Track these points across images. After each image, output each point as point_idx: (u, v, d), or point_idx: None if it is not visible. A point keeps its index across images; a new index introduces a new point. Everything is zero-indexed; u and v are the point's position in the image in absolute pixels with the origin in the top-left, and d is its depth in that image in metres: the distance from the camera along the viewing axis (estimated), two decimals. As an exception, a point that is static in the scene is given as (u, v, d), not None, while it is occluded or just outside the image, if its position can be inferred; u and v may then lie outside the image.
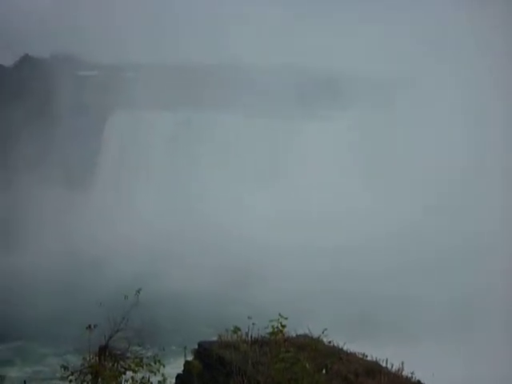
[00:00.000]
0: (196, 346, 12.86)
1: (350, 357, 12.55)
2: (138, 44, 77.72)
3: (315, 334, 11.66)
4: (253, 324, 10.20)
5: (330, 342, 11.94)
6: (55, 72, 73.33)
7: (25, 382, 10.35)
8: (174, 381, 11.88)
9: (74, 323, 29.05)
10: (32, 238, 51.09)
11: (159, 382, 9.01)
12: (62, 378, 8.67)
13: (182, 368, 11.91)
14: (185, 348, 11.35)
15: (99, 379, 8.75)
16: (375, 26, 65.89)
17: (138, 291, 9.37)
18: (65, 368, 8.70)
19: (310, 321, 11.99)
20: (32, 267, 45.50)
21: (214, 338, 12.69)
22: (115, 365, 8.86)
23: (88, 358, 8.77)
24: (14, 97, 73.97)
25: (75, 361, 9.02)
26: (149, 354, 9.19)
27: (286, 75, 61.06)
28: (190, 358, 11.92)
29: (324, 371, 11.04)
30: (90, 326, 8.68)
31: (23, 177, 62.87)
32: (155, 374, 8.68)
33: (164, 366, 8.79)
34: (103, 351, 8.87)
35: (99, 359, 8.80)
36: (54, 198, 60.26)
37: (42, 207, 58.14)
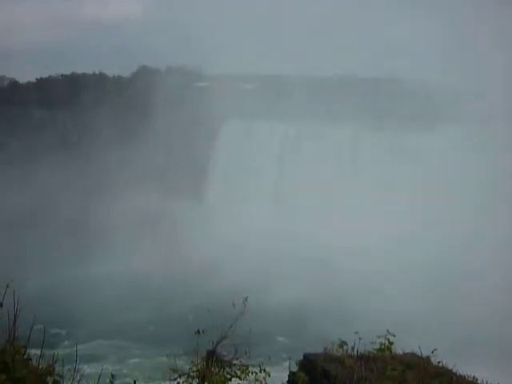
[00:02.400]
0: (301, 358, 12.83)
1: (460, 379, 12.03)
2: (253, 55, 79.00)
3: (424, 353, 11.32)
4: (359, 339, 10.05)
5: (439, 363, 11.54)
6: (170, 83, 75.73)
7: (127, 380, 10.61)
8: (278, 391, 11.87)
9: (183, 328, 29.82)
10: (145, 244, 52.71)
11: (263, 390, 9.06)
12: (170, 380, 8.89)
13: (287, 379, 11.92)
14: (290, 359, 11.35)
15: (205, 383, 8.90)
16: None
17: (246, 299, 9.46)
18: (173, 370, 8.92)
19: (419, 340, 11.63)
20: (145, 273, 47.00)
21: (320, 351, 12.60)
22: (222, 370, 8.98)
23: (196, 362, 8.95)
24: (130, 107, 77.19)
25: (183, 364, 9.22)
26: (254, 362, 9.26)
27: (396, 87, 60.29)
28: (294, 369, 11.91)
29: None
30: (198, 331, 8.85)
31: (137, 185, 65.12)
32: (261, 383, 8.73)
33: (269, 376, 8.83)
34: (211, 356, 9.02)
35: (206, 364, 8.95)
36: (167, 205, 62.14)
37: (156, 215, 59.98)
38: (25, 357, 4.48)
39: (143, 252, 51.07)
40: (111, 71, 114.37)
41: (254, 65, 78.50)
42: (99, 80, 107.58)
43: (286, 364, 11.93)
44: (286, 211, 56.71)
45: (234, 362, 9.09)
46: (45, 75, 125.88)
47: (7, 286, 4.50)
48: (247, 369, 8.97)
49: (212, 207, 61.75)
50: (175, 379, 8.89)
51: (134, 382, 9.88)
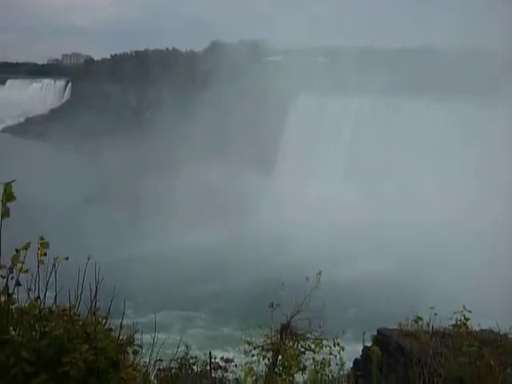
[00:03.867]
0: (375, 333, 12.73)
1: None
2: (324, 28, 78.22)
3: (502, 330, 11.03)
4: (435, 314, 9.87)
5: (517, 340, 11.23)
6: (242, 57, 75.72)
7: (210, 353, 10.79)
8: (351, 365, 11.85)
9: (258, 300, 30.09)
10: (217, 218, 53.18)
11: (337, 364, 9.05)
12: (245, 352, 9.00)
13: (360, 353, 11.87)
14: (363, 333, 11.28)
15: (279, 357, 8.96)
16: None
17: (319, 273, 9.43)
18: (248, 343, 9.02)
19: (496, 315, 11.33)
20: (218, 245, 47.51)
21: (394, 326, 12.45)
22: (296, 344, 9.03)
23: (270, 336, 9.02)
24: (202, 81, 77.78)
25: (257, 337, 9.31)
26: (328, 336, 9.25)
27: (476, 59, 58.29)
28: (367, 343, 11.85)
29: (510, 370, 10.43)
30: (272, 305, 8.90)
31: (208, 159, 65.76)
32: (335, 357, 8.73)
33: (343, 350, 8.81)
34: (285, 330, 9.07)
35: (281, 337, 9.01)
36: (240, 180, 62.58)
37: (224, 189, 60.49)
38: (105, 327, 4.59)
39: (212, 226, 51.58)
40: (184, 47, 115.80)
41: (326, 38, 77.61)
42: (172, 55, 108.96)
43: (358, 338, 11.85)
44: (356, 188, 56.09)
45: (308, 335, 9.11)
46: (119, 52, 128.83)
47: (88, 259, 4.61)
48: (321, 342, 8.98)
49: (281, 182, 61.71)
50: (250, 351, 8.99)
51: (210, 352, 10.04)
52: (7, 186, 4.17)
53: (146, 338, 5.83)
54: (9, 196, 4.18)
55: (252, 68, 73.71)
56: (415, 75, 60.14)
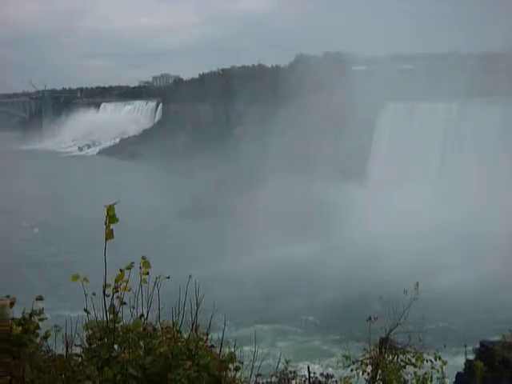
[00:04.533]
0: (476, 345, 12.34)
1: None
2: (409, 36, 77.15)
3: None
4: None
5: None
6: (328, 69, 75.58)
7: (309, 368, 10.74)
8: (453, 379, 11.53)
9: (354, 314, 29.70)
10: (307, 231, 52.97)
11: (438, 378, 8.80)
12: (344, 367, 8.91)
13: (463, 367, 11.53)
14: (465, 346, 10.94)
15: (379, 371, 8.81)
16: None
17: (417, 285, 9.25)
18: (346, 357, 8.93)
19: None
20: (308, 258, 47.31)
21: (497, 338, 12.03)
22: (395, 358, 8.85)
23: (369, 349, 8.89)
24: (289, 95, 78.11)
25: (356, 351, 9.20)
26: (428, 350, 9.03)
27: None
28: (469, 356, 11.48)
29: None
30: (370, 318, 8.78)
31: (299, 173, 65.74)
32: (438, 372, 8.49)
33: (445, 364, 8.56)
34: (384, 343, 8.92)
35: (380, 351, 8.86)
36: (330, 190, 62.27)
37: (317, 202, 60.21)
38: (207, 344, 4.67)
39: (301, 239, 51.36)
40: (269, 62, 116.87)
41: (411, 45, 76.45)
42: (258, 71, 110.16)
43: (457, 350, 11.50)
44: (448, 197, 54.51)
45: (408, 349, 8.92)
46: (206, 71, 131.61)
47: (190, 276, 4.73)
48: (422, 356, 8.76)
49: (372, 193, 60.84)
50: (348, 366, 8.90)
51: (308, 367, 9.99)
52: (110, 208, 4.34)
53: (241, 352, 5.87)
54: (112, 218, 4.34)
55: (338, 79, 73.38)
56: (504, 78, 58.14)
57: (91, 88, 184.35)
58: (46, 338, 5.31)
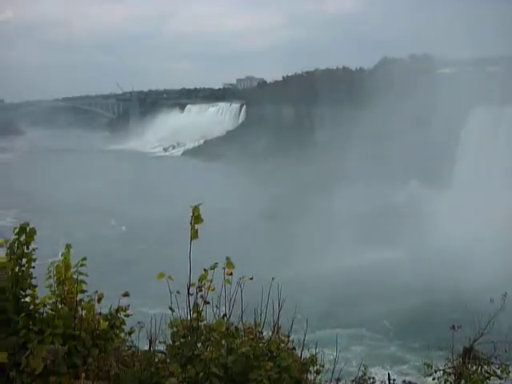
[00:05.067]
0: None
1: None
2: (496, 37, 74.82)
3: None
4: None
5: None
6: (413, 71, 74.27)
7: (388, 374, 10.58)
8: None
9: (436, 322, 28.99)
10: (389, 235, 52.10)
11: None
12: (426, 375, 8.74)
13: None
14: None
15: (462, 381, 8.60)
16: None
17: (505, 295, 8.97)
18: (428, 366, 8.75)
19: None
20: (388, 264, 46.53)
21: None
22: (479, 369, 8.61)
23: (451, 359, 8.69)
24: (374, 97, 77.16)
25: (438, 359, 9.02)
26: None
27: None
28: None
29: None
30: (453, 327, 8.57)
31: (382, 177, 64.91)
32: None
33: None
34: (467, 353, 8.68)
35: (463, 360, 8.64)
36: (411, 195, 61.16)
37: (400, 205, 59.26)
38: (288, 346, 4.70)
39: (382, 244, 50.58)
40: (353, 64, 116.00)
41: (497, 47, 74.01)
42: (342, 74, 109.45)
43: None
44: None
45: (493, 360, 8.65)
46: (290, 73, 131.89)
47: (273, 279, 4.76)
48: (507, 368, 8.49)
49: (458, 196, 59.21)
50: (430, 374, 8.73)
51: (388, 374, 9.87)
52: (195, 208, 4.43)
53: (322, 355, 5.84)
54: (197, 218, 4.44)
55: (423, 81, 71.98)
56: None
57: (177, 90, 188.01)
58: (130, 333, 5.48)
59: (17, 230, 5.28)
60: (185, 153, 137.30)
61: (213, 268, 4.66)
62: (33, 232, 5.29)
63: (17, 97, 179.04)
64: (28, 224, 5.31)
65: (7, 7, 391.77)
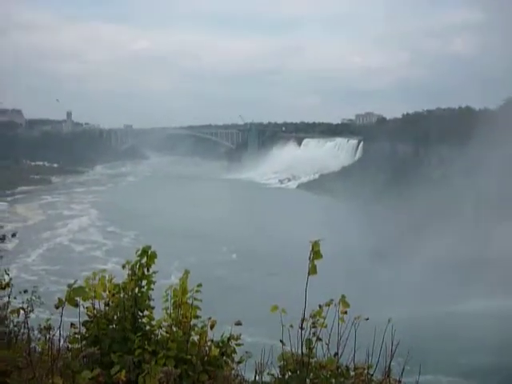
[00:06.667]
0: None
1: None
2: None
3: None
4: None
5: None
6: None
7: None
8: None
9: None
10: (500, 281, 49.82)
11: None
12: None
13: None
14: None
15: None
16: None
17: None
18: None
19: None
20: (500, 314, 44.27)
21: None
22: None
23: None
24: (497, 140, 74.65)
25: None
26: None
27: None
28: None
29: None
30: None
31: (496, 219, 62.92)
32: None
33: None
34: None
35: None
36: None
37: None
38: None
39: (494, 290, 48.41)
40: (477, 104, 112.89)
41: None
42: (465, 113, 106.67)
43: None
44: None
45: None
46: (410, 111, 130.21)
47: (389, 321, 4.67)
48: None
49: None
50: None
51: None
52: (315, 244, 4.43)
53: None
54: (316, 254, 4.43)
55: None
56: None
57: (296, 123, 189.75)
58: (240, 362, 5.51)
59: (139, 253, 5.48)
60: (300, 186, 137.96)
61: (328, 305, 4.64)
62: (154, 255, 5.48)
63: (145, 123, 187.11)
64: (150, 247, 5.50)
65: (143, 38, 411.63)
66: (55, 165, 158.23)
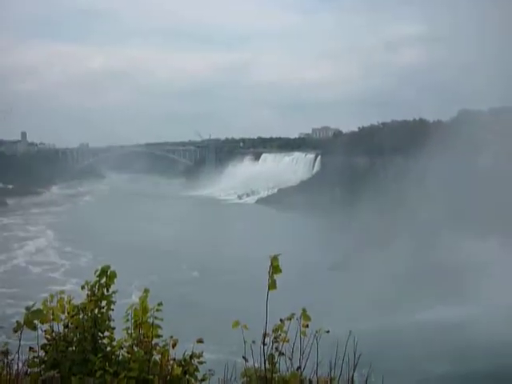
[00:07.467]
0: None
1: None
2: None
3: None
4: None
5: None
6: (493, 125, 73.06)
7: None
8: None
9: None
10: (460, 290, 50.57)
11: None
12: None
13: None
14: None
15: None
16: None
17: None
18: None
19: None
20: (460, 323, 44.87)
21: None
22: None
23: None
24: (451, 151, 75.96)
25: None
26: None
27: None
28: None
29: None
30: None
31: (458, 228, 63.64)
32: None
33: None
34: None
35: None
36: (486, 250, 59.57)
37: (474, 258, 57.69)
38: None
39: (453, 298, 49.09)
40: (430, 117, 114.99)
41: None
42: (419, 126, 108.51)
43: None
44: None
45: None
46: (366, 124, 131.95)
47: (350, 332, 4.70)
48: None
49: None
50: None
51: None
52: (274, 258, 4.45)
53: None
54: (276, 268, 4.45)
55: (503, 134, 70.49)
56: None
57: (253, 138, 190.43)
58: (203, 380, 5.47)
59: (98, 273, 5.42)
60: (258, 201, 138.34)
61: (289, 319, 4.65)
62: (113, 275, 5.43)
63: (101, 141, 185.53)
64: (109, 267, 5.45)
65: (99, 55, 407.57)
66: (10, 186, 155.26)
